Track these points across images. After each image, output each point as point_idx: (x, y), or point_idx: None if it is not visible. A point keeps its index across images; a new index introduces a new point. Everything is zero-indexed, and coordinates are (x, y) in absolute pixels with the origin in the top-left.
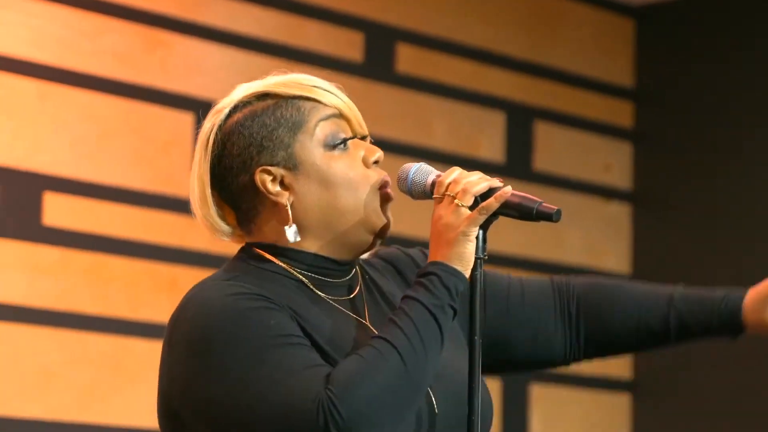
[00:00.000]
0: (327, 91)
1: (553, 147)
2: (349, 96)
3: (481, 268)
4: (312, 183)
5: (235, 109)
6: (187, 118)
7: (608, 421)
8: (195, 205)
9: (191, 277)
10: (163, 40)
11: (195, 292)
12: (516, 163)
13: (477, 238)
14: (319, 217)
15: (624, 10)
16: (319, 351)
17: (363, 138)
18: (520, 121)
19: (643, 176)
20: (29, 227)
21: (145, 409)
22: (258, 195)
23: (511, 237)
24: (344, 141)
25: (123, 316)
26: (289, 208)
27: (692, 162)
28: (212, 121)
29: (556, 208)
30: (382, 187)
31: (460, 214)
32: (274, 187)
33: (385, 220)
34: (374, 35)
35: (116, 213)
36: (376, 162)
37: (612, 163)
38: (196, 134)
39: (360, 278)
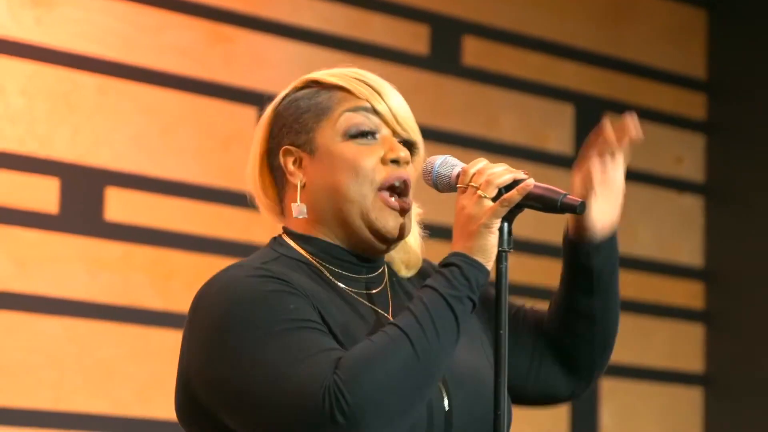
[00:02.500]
0: (368, 86)
1: None
2: (414, 89)
3: (506, 261)
4: (323, 168)
5: (287, 95)
6: (249, 113)
7: (680, 416)
8: (249, 180)
9: None
10: (226, 34)
11: (221, 272)
12: None
13: (501, 230)
14: (326, 203)
15: (696, 0)
16: (335, 340)
17: (406, 144)
18: (590, 114)
19: (715, 169)
20: (91, 223)
21: None
22: (284, 175)
23: None
24: (364, 133)
25: (184, 310)
26: (298, 187)
27: (766, 154)
28: (272, 103)
29: (580, 200)
30: (384, 187)
31: (482, 206)
32: (292, 167)
33: (384, 228)
34: (440, 28)
35: (178, 208)
36: (395, 162)
37: (684, 155)
38: None
39: (387, 278)
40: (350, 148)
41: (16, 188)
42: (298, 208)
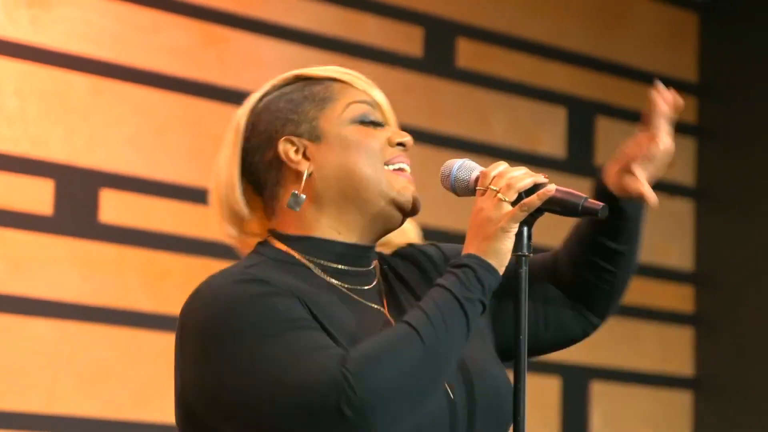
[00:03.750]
0: (362, 81)
1: (615, 142)
2: (407, 91)
3: (525, 266)
4: (333, 152)
5: (266, 94)
6: None
7: (670, 419)
8: (219, 189)
9: None
10: (220, 35)
11: (203, 284)
12: (577, 159)
13: (521, 234)
14: (338, 187)
15: (687, 3)
16: (329, 337)
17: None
18: (581, 117)
19: (706, 172)
20: (85, 224)
21: None
22: (281, 168)
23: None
24: (374, 122)
25: (178, 312)
26: (305, 176)
27: (757, 157)
28: (244, 108)
29: (602, 204)
30: (391, 164)
31: (501, 209)
32: (297, 157)
33: (403, 195)
34: (434, 30)
35: (172, 210)
36: (401, 144)
37: (675, 159)
38: None
39: (378, 270)
40: (360, 130)
41: (10, 190)
42: (296, 199)
